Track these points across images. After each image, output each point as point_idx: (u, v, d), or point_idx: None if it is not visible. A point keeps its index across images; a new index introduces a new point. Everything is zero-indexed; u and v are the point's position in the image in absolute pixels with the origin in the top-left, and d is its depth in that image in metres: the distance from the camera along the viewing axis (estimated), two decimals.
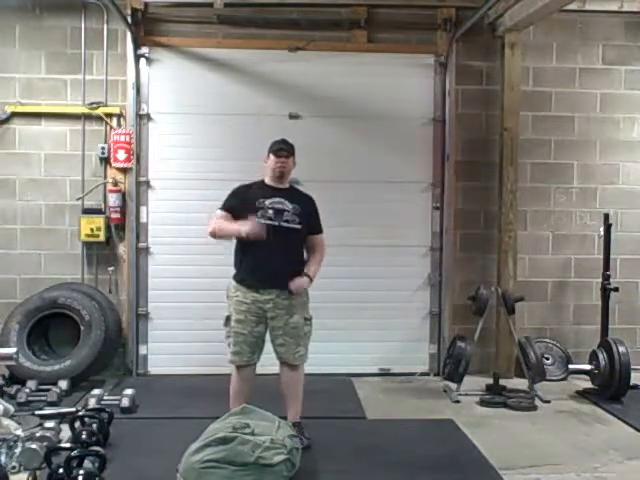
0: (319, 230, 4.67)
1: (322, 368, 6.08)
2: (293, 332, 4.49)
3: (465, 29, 6.24)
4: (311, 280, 4.56)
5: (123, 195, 6.30)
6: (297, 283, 4.46)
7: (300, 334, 4.53)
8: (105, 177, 6.35)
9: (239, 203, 4.49)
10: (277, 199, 4.45)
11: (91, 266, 6.38)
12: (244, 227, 4.27)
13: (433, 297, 6.57)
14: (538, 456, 4.42)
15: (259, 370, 4.67)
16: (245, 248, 4.46)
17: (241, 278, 4.50)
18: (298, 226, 4.46)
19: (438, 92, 6.51)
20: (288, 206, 4.45)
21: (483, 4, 5.84)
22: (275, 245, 4.35)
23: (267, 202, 4.43)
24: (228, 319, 4.53)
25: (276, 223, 4.39)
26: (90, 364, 5.78)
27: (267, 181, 4.55)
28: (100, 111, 6.30)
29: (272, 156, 4.48)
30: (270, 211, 4.40)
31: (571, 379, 6.34)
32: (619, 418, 5.23)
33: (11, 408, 4.68)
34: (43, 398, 5.27)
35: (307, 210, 4.56)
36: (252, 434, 3.89)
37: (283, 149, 4.48)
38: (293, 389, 4.56)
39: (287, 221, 4.42)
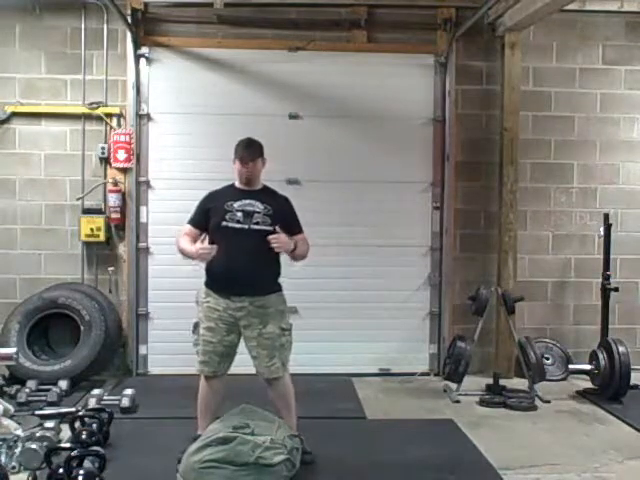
0: (298, 229, 4.38)
1: (322, 368, 6.09)
2: (266, 343, 4.16)
3: (465, 29, 6.24)
4: (294, 247, 4.20)
5: (123, 195, 6.30)
6: (279, 237, 4.11)
7: (275, 345, 4.18)
8: (105, 177, 6.35)
9: (207, 211, 4.27)
10: (247, 201, 4.18)
11: (91, 266, 6.38)
12: (198, 249, 4.12)
13: (433, 297, 6.57)
14: (538, 456, 4.42)
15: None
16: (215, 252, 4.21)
17: (211, 283, 4.23)
18: (270, 227, 4.13)
19: (438, 92, 6.50)
20: (259, 207, 4.17)
21: (483, 4, 5.83)
22: (246, 249, 4.11)
23: (236, 205, 4.16)
24: (196, 326, 4.26)
25: (245, 226, 4.13)
26: (90, 364, 5.78)
27: (237, 184, 4.32)
28: (100, 111, 6.30)
29: (237, 162, 4.25)
30: (239, 214, 4.14)
31: (571, 379, 6.34)
32: (619, 418, 5.23)
33: (11, 408, 4.68)
34: (43, 398, 5.27)
35: (281, 210, 4.27)
36: (252, 434, 3.89)
37: (246, 157, 4.22)
38: (282, 402, 4.29)
39: (257, 223, 4.13)
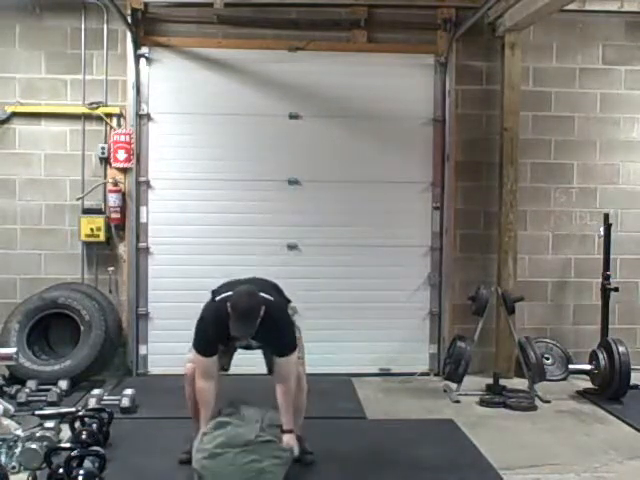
0: (283, 351, 3.98)
1: (322, 368, 6.08)
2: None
3: (465, 29, 6.24)
4: (293, 431, 3.98)
5: (123, 195, 6.30)
6: (292, 446, 3.92)
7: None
8: (105, 177, 6.35)
9: (211, 347, 4.00)
10: (244, 341, 4.07)
11: (91, 266, 6.38)
12: None
13: (433, 297, 6.57)
14: (538, 456, 4.42)
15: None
16: None
17: None
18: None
19: (438, 92, 6.50)
20: (254, 344, 4.11)
21: (483, 4, 5.83)
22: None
23: (236, 343, 4.12)
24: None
25: (247, 349, 4.20)
26: (90, 364, 5.78)
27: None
28: (100, 111, 6.30)
29: (230, 327, 3.85)
30: (239, 348, 4.20)
31: (571, 379, 6.34)
32: (619, 418, 5.23)
33: (11, 408, 4.68)
34: (43, 398, 5.26)
35: (275, 347, 4.04)
36: (243, 418, 3.92)
37: (242, 336, 3.92)
38: (294, 400, 4.05)
39: (256, 348, 4.20)
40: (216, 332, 3.97)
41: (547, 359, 6.37)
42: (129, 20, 6.09)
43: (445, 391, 5.94)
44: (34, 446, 4.04)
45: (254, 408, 4.09)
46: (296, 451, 3.94)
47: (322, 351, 6.14)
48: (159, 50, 6.33)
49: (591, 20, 6.61)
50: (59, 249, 6.36)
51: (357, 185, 6.43)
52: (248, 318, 3.81)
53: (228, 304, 3.84)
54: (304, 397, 4.24)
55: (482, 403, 5.57)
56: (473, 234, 6.58)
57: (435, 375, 6.48)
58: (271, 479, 3.74)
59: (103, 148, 6.30)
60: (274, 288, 4.24)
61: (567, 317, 6.71)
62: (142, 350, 6.38)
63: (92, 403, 4.99)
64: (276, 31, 6.40)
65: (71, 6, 6.26)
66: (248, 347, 4.17)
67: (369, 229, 6.46)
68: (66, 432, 4.41)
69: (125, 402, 5.16)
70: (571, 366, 6.35)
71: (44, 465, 3.89)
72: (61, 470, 3.62)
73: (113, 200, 6.26)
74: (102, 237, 6.25)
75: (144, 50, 6.28)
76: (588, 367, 5.97)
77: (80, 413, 4.52)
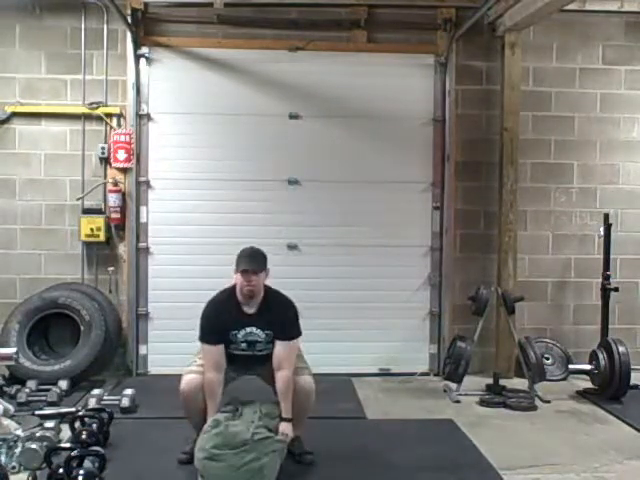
0: (289, 336, 4.15)
1: (322, 368, 6.05)
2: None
3: (465, 29, 6.24)
4: (292, 420, 4.04)
5: (123, 195, 6.30)
6: (286, 434, 3.99)
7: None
8: (105, 177, 6.35)
9: (217, 334, 4.13)
10: (249, 329, 4.15)
11: (91, 266, 6.38)
12: None
13: (433, 297, 6.57)
14: (538, 456, 4.42)
15: None
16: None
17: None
18: (272, 348, 4.18)
19: (438, 92, 6.50)
20: (260, 336, 4.15)
21: (483, 4, 5.83)
22: (252, 367, 4.32)
23: (240, 335, 4.14)
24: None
25: (250, 353, 4.18)
26: (90, 364, 5.78)
27: (239, 298, 4.15)
28: (100, 111, 6.30)
29: (239, 275, 4.07)
30: (243, 344, 4.16)
31: (571, 379, 6.34)
32: (619, 418, 5.22)
33: (11, 408, 4.67)
34: (43, 398, 5.26)
35: (279, 328, 4.16)
36: (240, 415, 3.96)
37: (249, 270, 4.04)
38: (295, 398, 4.11)
39: (260, 350, 4.18)
40: (219, 315, 4.14)
41: (547, 359, 6.37)
42: (129, 20, 6.09)
43: (445, 391, 5.94)
44: (34, 446, 4.04)
45: (252, 404, 4.10)
46: (290, 436, 4.00)
47: (322, 351, 6.14)
48: (159, 50, 6.33)
49: (591, 20, 6.61)
50: (59, 249, 6.36)
51: (357, 185, 6.43)
52: (255, 256, 4.14)
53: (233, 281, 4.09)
54: (311, 404, 4.27)
55: (482, 403, 5.57)
56: (473, 234, 6.58)
57: (435, 375, 6.48)
58: (268, 473, 3.75)
59: (103, 148, 6.30)
60: None
61: (567, 317, 6.71)
62: (142, 350, 6.38)
63: (92, 403, 4.99)
64: (276, 31, 6.40)
65: (71, 6, 6.26)
66: (252, 344, 4.16)
67: (369, 229, 6.46)
68: (66, 432, 4.41)
69: (125, 402, 5.15)
70: (571, 366, 6.35)
71: (44, 465, 3.88)
72: (61, 470, 3.62)
73: (113, 200, 6.26)
74: (102, 237, 6.25)
75: (144, 50, 6.28)
76: (588, 367, 5.97)
77: (80, 413, 4.52)
